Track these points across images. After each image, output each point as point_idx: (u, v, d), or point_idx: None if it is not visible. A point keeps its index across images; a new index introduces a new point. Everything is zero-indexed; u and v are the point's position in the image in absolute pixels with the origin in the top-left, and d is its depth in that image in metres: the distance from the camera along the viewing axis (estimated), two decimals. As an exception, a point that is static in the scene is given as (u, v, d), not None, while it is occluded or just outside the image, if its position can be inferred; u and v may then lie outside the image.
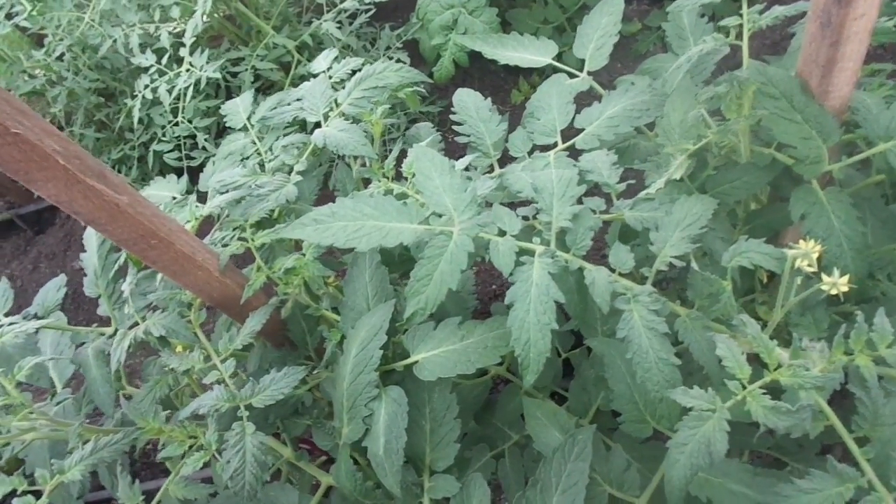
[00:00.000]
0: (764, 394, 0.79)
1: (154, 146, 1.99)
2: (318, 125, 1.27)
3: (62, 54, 1.99)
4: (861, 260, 0.99)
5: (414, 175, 1.19)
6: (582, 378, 1.44)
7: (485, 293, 2.17)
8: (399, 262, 1.36)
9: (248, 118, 1.37)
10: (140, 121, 2.03)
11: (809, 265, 0.89)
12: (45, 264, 2.60)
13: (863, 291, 1.05)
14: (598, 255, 1.98)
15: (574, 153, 1.21)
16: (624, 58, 2.42)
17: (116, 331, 1.20)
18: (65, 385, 1.42)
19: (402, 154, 1.24)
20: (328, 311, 1.24)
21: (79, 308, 2.48)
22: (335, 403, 1.16)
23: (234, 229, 1.19)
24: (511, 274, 0.90)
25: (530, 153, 1.26)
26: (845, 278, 0.88)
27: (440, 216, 0.93)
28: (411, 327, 1.18)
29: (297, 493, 1.16)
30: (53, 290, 1.27)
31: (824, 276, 0.89)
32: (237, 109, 1.39)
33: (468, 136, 1.29)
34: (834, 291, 0.89)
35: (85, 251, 1.34)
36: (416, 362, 1.14)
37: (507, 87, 2.46)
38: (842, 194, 1.01)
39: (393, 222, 0.91)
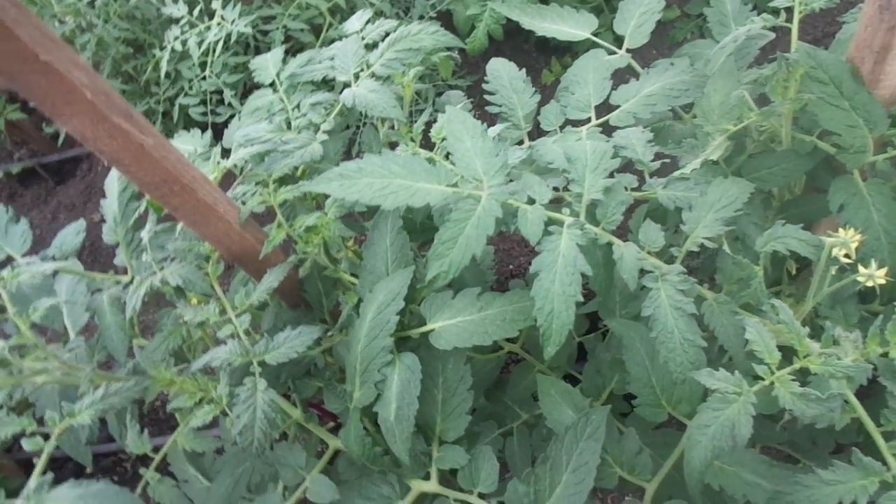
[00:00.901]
0: (793, 380, 0.76)
1: (180, 100, 1.97)
2: (347, 85, 1.25)
3: (93, 0, 1.97)
4: (899, 255, 0.96)
5: (443, 140, 1.16)
6: (596, 361, 1.42)
7: (502, 272, 2.15)
8: (420, 230, 1.34)
9: (277, 74, 1.35)
10: (167, 75, 2.02)
11: (846, 255, 0.86)
12: (63, 215, 2.60)
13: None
14: (622, 238, 1.95)
15: (607, 130, 1.18)
16: (660, 45, 2.38)
17: (133, 279, 1.19)
18: (78, 333, 1.42)
19: (430, 124, 1.22)
20: (346, 274, 1.23)
21: (95, 261, 2.48)
22: (348, 367, 1.15)
23: (257, 184, 1.17)
24: (538, 243, 0.87)
25: (562, 128, 1.24)
26: (883, 270, 0.86)
27: (469, 181, 0.91)
28: (429, 295, 1.17)
29: (305, 454, 1.15)
30: (72, 234, 1.27)
31: (861, 268, 0.87)
32: (266, 65, 1.36)
33: (499, 106, 1.27)
34: (870, 283, 0.86)
35: (105, 201, 1.33)
36: (433, 330, 1.12)
37: (539, 66, 2.42)
38: (883, 187, 0.97)
39: (421, 182, 0.89)
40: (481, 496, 1.14)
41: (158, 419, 2.20)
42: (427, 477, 1.17)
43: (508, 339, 1.53)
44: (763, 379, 0.78)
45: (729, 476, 1.06)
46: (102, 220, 1.34)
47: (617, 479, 1.14)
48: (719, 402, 0.78)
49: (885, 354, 0.76)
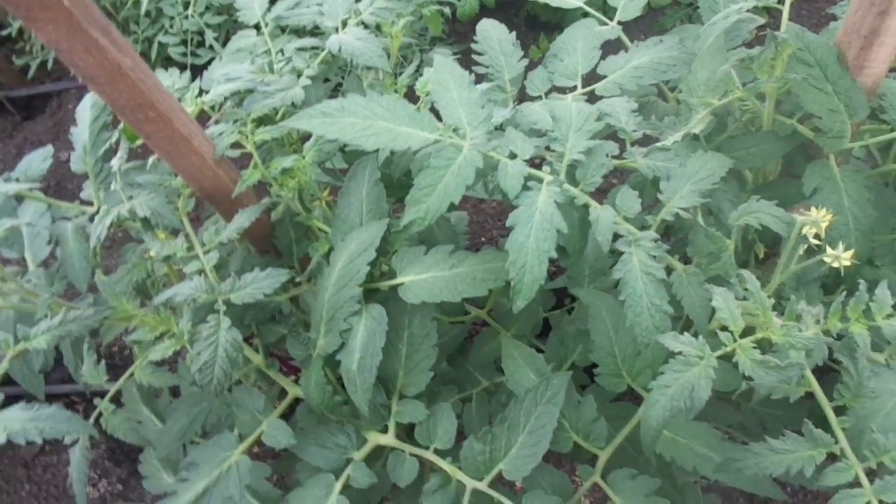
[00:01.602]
0: (754, 348, 0.78)
1: (160, 37, 1.92)
2: (334, 31, 1.22)
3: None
4: (865, 242, 0.98)
5: (427, 94, 1.16)
6: (561, 332, 1.43)
7: (475, 244, 2.16)
8: (397, 186, 1.33)
9: (263, 16, 1.32)
10: (147, 13, 1.96)
11: (816, 234, 0.88)
12: (29, 151, 2.51)
13: (859, 276, 1.04)
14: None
15: (593, 99, 1.18)
16: (648, 31, 2.38)
17: (99, 210, 1.16)
18: (38, 266, 1.39)
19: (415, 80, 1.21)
20: (318, 222, 1.21)
21: (60, 199, 2.42)
22: (314, 315, 1.14)
23: (235, 122, 1.15)
24: (516, 197, 0.87)
25: (547, 94, 1.23)
26: (849, 253, 0.87)
27: (452, 130, 0.90)
28: (401, 249, 1.16)
29: (264, 398, 1.14)
30: (39, 160, 1.23)
31: (828, 249, 0.88)
32: (252, 5, 1.33)
33: (487, 67, 1.26)
34: (836, 265, 0.88)
35: (76, 129, 1.29)
36: (402, 284, 1.12)
37: (527, 42, 2.41)
38: (857, 174, 0.99)
39: (403, 127, 0.88)
40: (437, 452, 1.14)
41: (115, 365, 2.16)
42: (385, 430, 1.17)
43: (476, 305, 1.54)
44: (726, 345, 0.79)
45: (681, 448, 1.08)
46: (69, 161, 1.30)
47: (572, 445, 1.15)
48: (681, 365, 0.79)
49: (845, 330, 0.78)
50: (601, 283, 1.34)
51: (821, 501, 1.65)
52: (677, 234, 1.24)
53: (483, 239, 2.17)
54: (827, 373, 0.97)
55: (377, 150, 1.19)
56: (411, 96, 1.15)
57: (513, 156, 0.90)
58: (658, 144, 1.01)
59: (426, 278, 1.11)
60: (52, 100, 2.64)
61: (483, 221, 2.21)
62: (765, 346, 0.82)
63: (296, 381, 1.25)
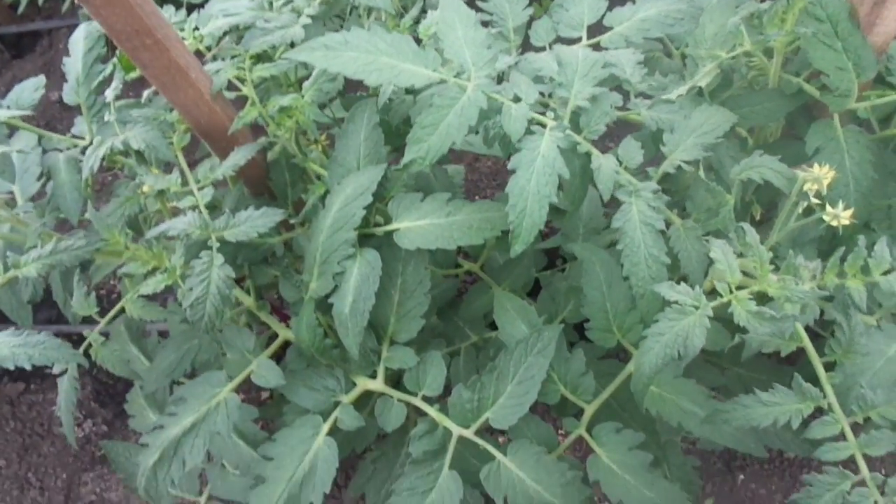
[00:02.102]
0: (750, 300, 0.78)
1: (155, -25, 1.87)
2: (338, -30, 1.20)
3: None
4: (864, 205, 0.98)
5: (430, 38, 1.14)
6: (552, 289, 1.43)
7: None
8: (395, 134, 1.31)
9: (265, -49, 1.28)
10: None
11: (817, 193, 0.88)
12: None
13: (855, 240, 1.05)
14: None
15: (597, 51, 1.16)
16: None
17: (92, 142, 1.14)
18: (27, 201, 1.36)
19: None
20: (315, 165, 1.20)
21: (49, 140, 2.38)
22: (307, 257, 1.13)
23: (233, 58, 1.12)
24: (519, 141, 0.86)
25: (552, 45, 1.21)
26: (848, 212, 0.87)
27: (457, 69, 0.88)
28: (397, 195, 1.15)
29: (254, 338, 1.14)
30: (31, 89, 1.20)
31: (828, 207, 0.88)
32: (253, -60, 1.29)
33: (491, 14, 1.24)
34: (835, 223, 0.87)
35: (69, 60, 1.26)
36: (398, 230, 1.11)
37: (530, -1, 2.37)
38: (860, 135, 0.99)
39: (407, 64, 0.86)
40: (425, 399, 1.14)
41: (104, 309, 2.15)
42: (374, 375, 1.17)
43: (468, 259, 1.53)
44: (721, 296, 0.79)
45: (667, 403, 1.09)
46: (59, 101, 1.27)
47: (559, 397, 1.16)
48: (676, 314, 0.79)
49: (841, 286, 0.78)
50: (595, 242, 1.34)
51: (796, 469, 1.68)
52: (676, 192, 1.24)
53: (477, 197, 2.16)
54: (815, 339, 0.97)
55: (376, 95, 1.18)
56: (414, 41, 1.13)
57: (517, 99, 0.89)
58: (663, 97, 1.00)
59: (422, 225, 1.11)
60: (43, 38, 2.58)
61: (477, 180, 2.20)
62: (760, 300, 0.82)
63: (288, 327, 1.25)
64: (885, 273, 0.76)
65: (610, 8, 1.23)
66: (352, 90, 1.39)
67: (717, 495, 1.62)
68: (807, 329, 0.91)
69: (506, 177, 0.88)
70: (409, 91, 1.20)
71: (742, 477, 1.64)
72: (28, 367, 0.89)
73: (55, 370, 1.05)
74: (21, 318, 1.17)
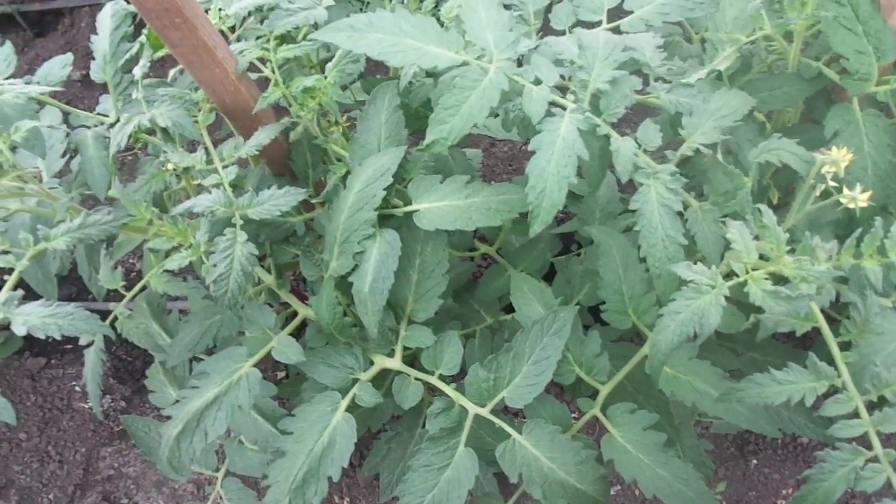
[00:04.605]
0: (766, 279, 0.79)
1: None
2: (360, -48, 1.21)
3: None
4: (882, 188, 0.99)
5: (453, 20, 1.15)
6: (568, 273, 1.44)
7: (484, 187, 2.15)
8: (415, 117, 1.33)
9: (288, -66, 1.29)
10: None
11: (835, 174, 0.88)
12: (40, 68, 2.51)
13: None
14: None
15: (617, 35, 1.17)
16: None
17: (119, 119, 1.16)
18: (52, 177, 1.39)
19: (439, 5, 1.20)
20: (336, 146, 1.22)
21: (71, 122, 2.41)
22: (328, 236, 1.15)
23: (258, 38, 1.14)
24: (539, 122, 0.88)
25: (572, 29, 1.22)
26: (866, 195, 0.88)
27: (479, 51, 0.90)
28: (417, 177, 1.17)
29: (275, 315, 1.16)
30: (58, 66, 1.22)
31: (845, 190, 0.89)
32: (277, -78, 1.31)
33: (511, -2, 1.24)
34: (852, 206, 0.88)
35: (96, 38, 1.28)
36: (417, 211, 1.13)
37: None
38: (879, 119, 0.99)
39: (431, 45, 0.88)
40: (442, 378, 1.16)
41: (126, 287, 2.19)
42: (391, 354, 1.19)
43: (485, 242, 1.55)
44: (738, 276, 0.80)
45: (682, 383, 1.10)
46: (80, 81, 1.29)
47: (574, 378, 1.17)
48: (693, 293, 0.80)
49: (857, 267, 0.79)
50: (612, 226, 1.35)
51: (809, 454, 1.69)
52: (694, 175, 1.24)
53: (493, 182, 2.17)
54: (830, 322, 0.98)
55: (397, 78, 1.19)
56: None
57: (538, 81, 0.90)
58: (682, 81, 1.01)
59: (441, 206, 1.12)
60: (65, 17, 2.61)
61: (494, 165, 2.20)
62: (776, 281, 0.83)
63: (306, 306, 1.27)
64: (902, 254, 0.77)
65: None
66: (370, 73, 1.40)
67: (730, 479, 1.63)
68: (822, 312, 0.92)
69: (522, 162, 0.89)
70: (429, 74, 1.22)
71: (755, 462, 1.65)
72: (58, 337, 0.92)
73: (82, 342, 1.08)
74: (47, 291, 1.19)
